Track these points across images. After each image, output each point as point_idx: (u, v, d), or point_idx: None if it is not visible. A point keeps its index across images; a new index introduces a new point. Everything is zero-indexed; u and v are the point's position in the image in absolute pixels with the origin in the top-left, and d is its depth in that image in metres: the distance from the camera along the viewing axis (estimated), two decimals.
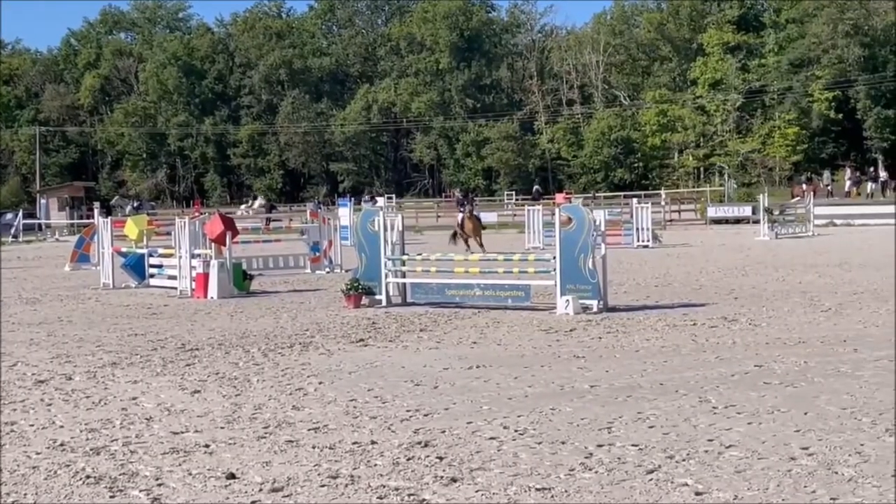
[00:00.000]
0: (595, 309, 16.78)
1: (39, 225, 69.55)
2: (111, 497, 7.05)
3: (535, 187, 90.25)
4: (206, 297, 21.40)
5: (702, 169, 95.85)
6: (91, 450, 8.41)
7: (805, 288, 20.33)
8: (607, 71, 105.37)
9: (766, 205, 44.02)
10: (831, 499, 6.59)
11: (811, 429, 8.46)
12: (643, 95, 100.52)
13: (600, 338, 14.16)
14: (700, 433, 8.44)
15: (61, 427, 9.31)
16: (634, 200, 45.17)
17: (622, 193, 79.11)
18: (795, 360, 11.69)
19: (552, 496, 6.83)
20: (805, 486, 6.87)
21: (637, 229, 39.74)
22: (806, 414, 9.01)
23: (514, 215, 62.37)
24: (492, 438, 8.44)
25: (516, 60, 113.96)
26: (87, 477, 7.56)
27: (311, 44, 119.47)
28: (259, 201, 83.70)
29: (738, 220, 56.52)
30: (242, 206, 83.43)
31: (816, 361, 11.61)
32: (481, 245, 34.33)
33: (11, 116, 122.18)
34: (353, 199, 62.36)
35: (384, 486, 7.13)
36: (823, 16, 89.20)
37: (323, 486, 7.19)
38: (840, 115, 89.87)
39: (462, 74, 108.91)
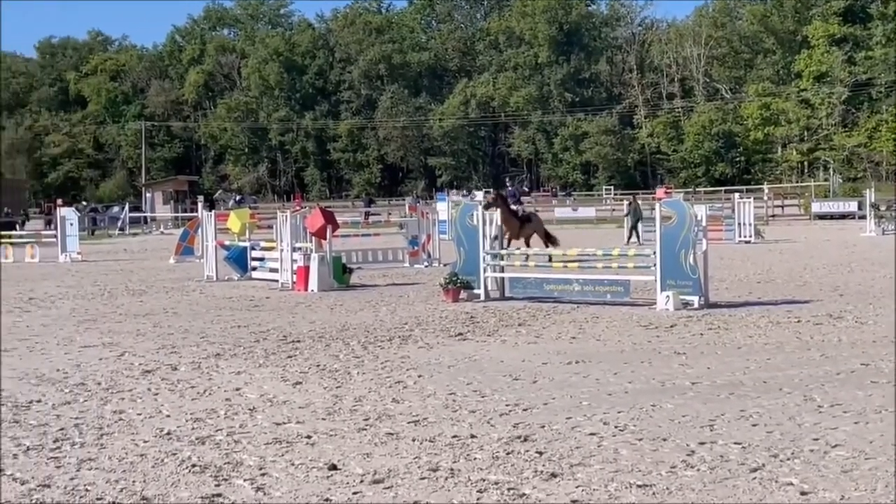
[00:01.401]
0: (696, 305, 16.56)
1: (145, 218, 70.91)
2: (216, 486, 7.16)
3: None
4: (306, 290, 21.61)
5: (806, 163, 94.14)
6: (196, 439, 8.56)
7: None
8: (709, 64, 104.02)
9: (873, 200, 43.05)
10: None
11: None
12: (745, 89, 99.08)
13: (701, 334, 13.98)
14: (805, 432, 8.30)
15: (168, 416, 9.49)
16: (736, 195, 44.53)
17: (723, 188, 78.07)
18: None
19: (653, 493, 6.76)
20: None
21: (739, 225, 39.15)
22: None
23: (613, 210, 61.94)
24: (592, 434, 8.39)
25: (616, 54, 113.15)
26: (193, 465, 7.70)
27: (411, 39, 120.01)
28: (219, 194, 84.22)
29: (843, 216, 55.42)
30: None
31: None
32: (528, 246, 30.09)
33: (118, 112, 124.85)
34: (450, 193, 62.45)
35: (484, 480, 7.13)
36: None
37: (423, 478, 7.22)
38: None
39: (561, 68, 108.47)
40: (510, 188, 32.77)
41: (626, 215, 40.30)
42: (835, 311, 16.04)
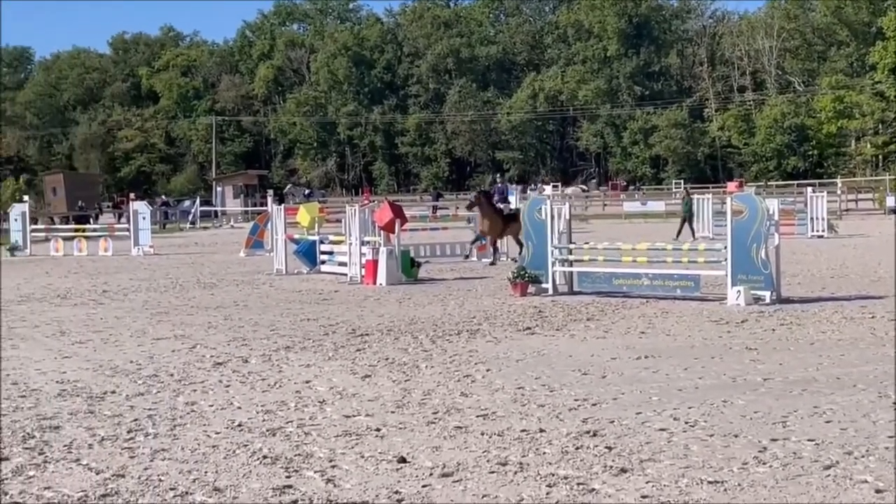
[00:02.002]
0: (768, 300, 16.39)
1: (215, 212, 71.71)
2: (287, 477, 7.22)
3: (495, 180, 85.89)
4: (374, 283, 21.71)
5: (880, 157, 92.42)
6: (267, 430, 8.64)
7: None
8: (781, 56, 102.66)
9: None
10: None
11: None
12: (819, 81, 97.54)
13: (773, 330, 13.82)
14: (879, 429, 8.17)
15: (239, 408, 9.59)
16: (809, 189, 43.89)
17: (795, 182, 77.04)
18: None
19: (725, 490, 6.70)
20: None
21: (811, 219, 38.67)
22: None
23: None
24: (662, 430, 8.33)
25: (686, 47, 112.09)
26: (264, 457, 7.77)
27: (479, 32, 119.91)
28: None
29: None
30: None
31: None
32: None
33: (189, 107, 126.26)
34: (518, 187, 62.34)
35: (553, 475, 7.12)
36: None
37: (492, 472, 7.22)
38: None
39: (630, 61, 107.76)
40: (499, 185, 31.05)
41: (682, 211, 39.63)
42: None
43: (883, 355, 11.52)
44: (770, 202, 17.58)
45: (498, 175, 33.41)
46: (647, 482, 6.90)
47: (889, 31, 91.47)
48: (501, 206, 27.43)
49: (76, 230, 43.64)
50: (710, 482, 6.86)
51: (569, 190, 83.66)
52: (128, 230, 38.88)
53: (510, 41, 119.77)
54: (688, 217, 37.88)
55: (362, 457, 7.71)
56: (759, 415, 8.77)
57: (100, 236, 39.97)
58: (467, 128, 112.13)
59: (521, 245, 24.79)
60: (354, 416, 9.15)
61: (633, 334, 13.82)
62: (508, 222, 26.21)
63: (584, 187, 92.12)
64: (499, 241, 26.99)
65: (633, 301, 17.48)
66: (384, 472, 7.30)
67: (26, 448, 8.21)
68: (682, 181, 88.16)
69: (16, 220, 40.15)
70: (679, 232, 36.68)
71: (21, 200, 44.64)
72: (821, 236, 37.23)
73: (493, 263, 26.04)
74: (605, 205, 66.70)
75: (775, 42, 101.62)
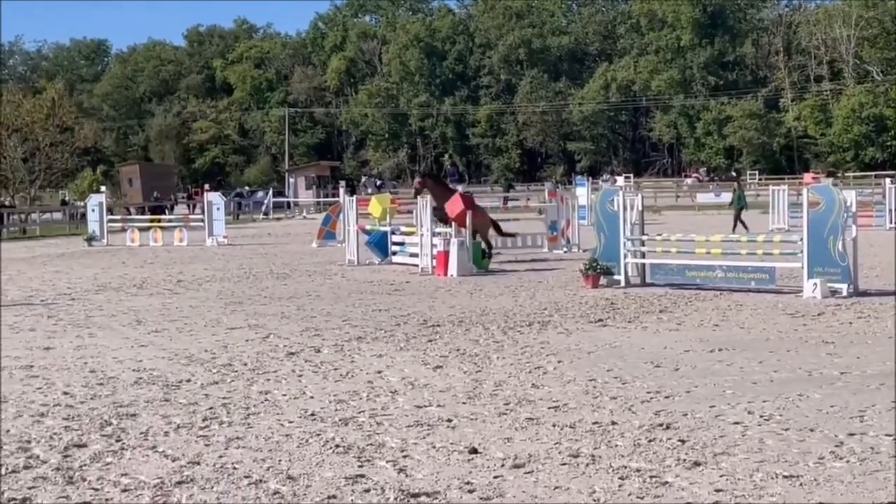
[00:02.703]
0: (844, 293, 16.14)
1: (288, 203, 72.21)
2: (359, 466, 7.27)
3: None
4: (446, 274, 21.74)
5: None
6: (340, 420, 8.70)
7: None
8: (859, 45, 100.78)
9: None
10: None
11: None
12: None
13: (850, 323, 13.63)
14: None
15: (311, 398, 9.67)
16: (887, 180, 43.06)
17: (873, 173, 75.70)
18: None
19: (800, 484, 6.63)
20: None
21: (890, 210, 37.93)
22: None
23: (758, 195, 60.68)
24: (736, 423, 8.26)
25: (761, 36, 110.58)
26: (337, 446, 7.83)
27: (551, 23, 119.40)
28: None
29: None
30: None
31: None
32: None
33: (262, 98, 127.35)
34: (590, 178, 62.05)
35: (625, 468, 7.09)
36: None
37: (564, 464, 7.21)
38: None
39: (704, 51, 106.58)
40: (450, 168, 29.57)
41: (731, 204, 38.84)
42: None
43: None
44: (847, 193, 17.33)
45: (448, 160, 30.35)
46: (720, 476, 6.85)
47: None
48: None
49: (152, 220, 44.23)
50: (785, 477, 6.79)
51: (688, 181, 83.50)
52: (202, 221, 39.32)
53: (582, 31, 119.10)
54: (739, 210, 37.09)
55: (434, 447, 7.75)
56: (836, 409, 8.66)
57: (175, 227, 40.46)
58: (538, 118, 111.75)
59: (489, 246, 24.07)
60: (426, 406, 9.18)
61: (706, 327, 13.72)
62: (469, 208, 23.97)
63: (698, 175, 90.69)
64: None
65: (706, 293, 17.33)
66: (455, 463, 7.32)
67: (104, 435, 8.36)
68: (756, 172, 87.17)
69: (93, 210, 40.81)
70: (734, 226, 35.78)
71: (98, 191, 45.37)
72: None
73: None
74: (678, 196, 66.08)
75: (853, 31, 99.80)
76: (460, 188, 25.52)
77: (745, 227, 34.60)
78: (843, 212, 16.37)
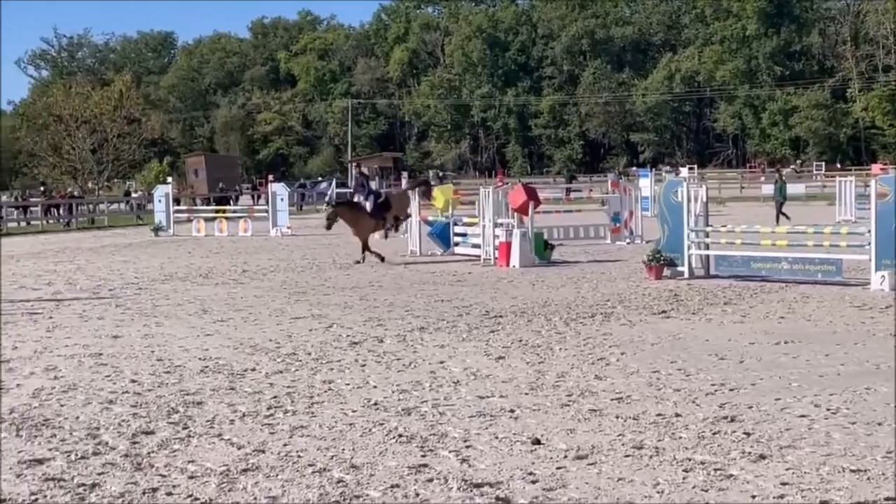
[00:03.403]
0: None
1: (351, 194, 72.38)
2: (422, 456, 7.29)
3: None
4: (508, 265, 21.72)
5: None
6: (402, 410, 8.73)
7: None
8: None
9: None
10: None
11: None
12: None
13: None
14: None
15: (374, 387, 9.71)
16: None
17: None
18: None
19: (868, 479, 6.54)
20: None
21: None
22: None
23: (824, 186, 59.88)
24: (802, 416, 8.17)
25: (829, 25, 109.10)
26: (400, 436, 7.86)
27: (614, 13, 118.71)
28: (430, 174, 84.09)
29: None
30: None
31: None
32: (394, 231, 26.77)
33: (326, 90, 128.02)
34: (652, 169, 61.60)
35: (689, 460, 7.04)
36: None
37: (627, 456, 7.18)
38: None
39: (770, 41, 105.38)
40: (357, 176, 27.16)
41: (774, 196, 37.93)
42: None
43: None
44: None
45: (355, 165, 29.09)
46: (786, 469, 6.78)
47: None
48: (361, 199, 24.88)
49: (217, 211, 44.65)
50: (852, 471, 6.71)
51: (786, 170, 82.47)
52: (266, 211, 39.65)
53: (646, 21, 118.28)
54: (781, 202, 36.16)
55: (496, 437, 7.74)
56: None
57: (239, 217, 40.82)
58: (601, 109, 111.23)
59: (394, 226, 25.99)
60: (488, 397, 9.18)
61: (772, 319, 13.57)
62: (379, 215, 24.52)
63: (794, 167, 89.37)
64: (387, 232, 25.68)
65: (771, 285, 17.15)
66: (518, 454, 7.31)
67: (171, 423, 8.46)
68: (822, 163, 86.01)
69: (160, 201, 41.31)
70: (777, 218, 34.65)
71: (165, 182, 45.89)
72: None
73: (358, 262, 23.42)
74: (743, 187, 65.40)
75: None
76: (368, 204, 24.33)
77: (788, 218, 33.67)
78: None
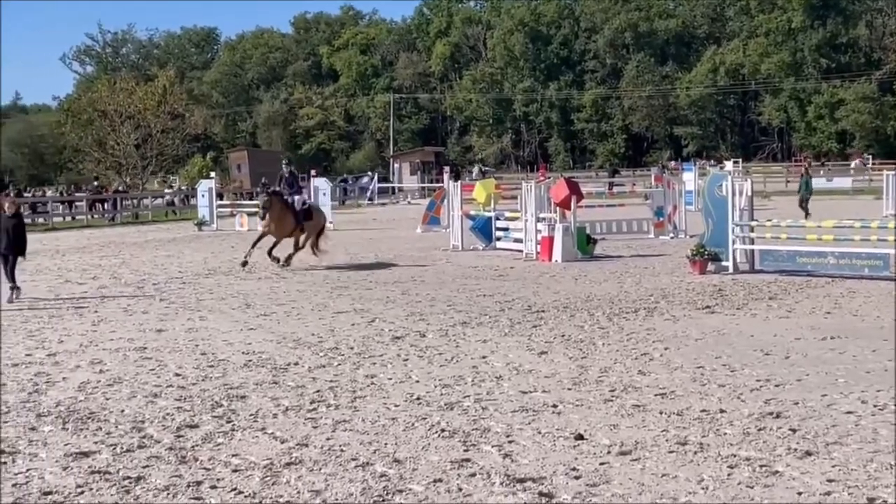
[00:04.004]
0: None
1: (392, 188, 72.57)
2: (465, 451, 7.31)
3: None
4: (550, 260, 21.70)
5: None
6: (445, 405, 8.75)
7: None
8: None
9: None
10: None
11: None
12: None
13: None
14: None
15: (417, 382, 9.73)
16: None
17: None
18: None
19: None
20: None
21: None
22: None
23: (871, 181, 59.26)
24: (848, 413, 8.11)
25: (876, 17, 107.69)
26: (442, 430, 7.88)
27: (658, 6, 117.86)
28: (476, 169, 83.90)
29: None
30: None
31: None
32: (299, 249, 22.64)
33: (368, 85, 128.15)
34: (696, 163, 61.23)
35: (734, 456, 7.01)
36: None
37: (671, 451, 7.16)
38: None
39: (816, 33, 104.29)
40: (285, 174, 23.94)
41: (798, 190, 37.34)
42: None
43: None
44: None
45: (284, 161, 25.16)
46: (832, 466, 6.74)
47: None
48: (295, 198, 22.86)
49: (259, 206, 44.83)
50: None
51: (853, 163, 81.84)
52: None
53: (690, 14, 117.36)
54: (807, 197, 35.57)
55: (539, 433, 7.74)
56: None
57: None
58: (644, 103, 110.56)
59: (314, 248, 22.60)
60: (531, 392, 9.18)
61: (818, 314, 13.47)
62: (302, 221, 22.38)
63: (862, 160, 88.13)
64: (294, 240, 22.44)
65: (817, 280, 17.01)
66: (561, 449, 7.31)
67: (214, 416, 8.53)
68: (870, 157, 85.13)
69: (203, 195, 41.64)
70: (806, 213, 33.93)
71: (208, 177, 46.19)
72: None
73: (243, 264, 21.27)
74: (788, 181, 64.83)
75: None
76: (297, 199, 22.70)
77: (808, 214, 32.97)
78: None
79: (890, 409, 8.22)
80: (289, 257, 21.98)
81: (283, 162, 26.74)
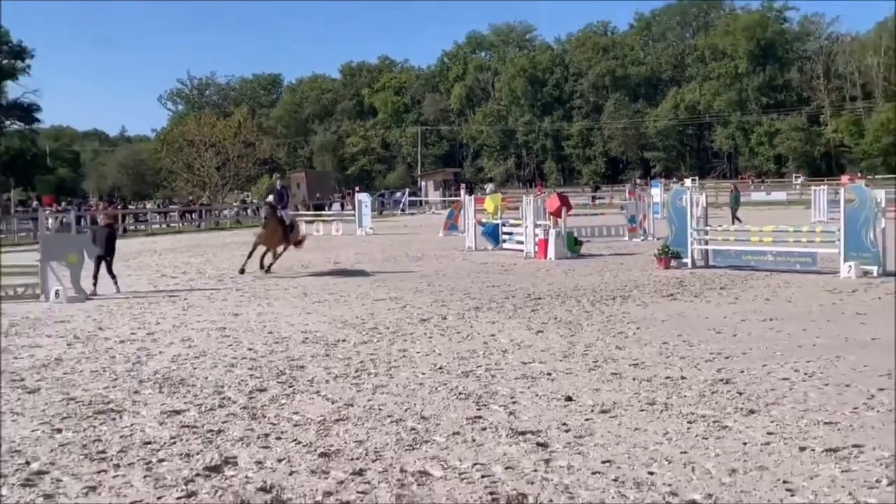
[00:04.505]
0: (875, 274, 15.60)
1: (420, 201, 72.55)
2: (477, 410, 7.30)
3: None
4: (545, 258, 21.64)
5: None
6: (462, 373, 8.73)
7: None
8: (888, 70, 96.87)
9: None
10: None
11: None
12: None
13: (880, 298, 13.16)
14: None
15: (439, 355, 9.72)
16: None
17: None
18: None
19: (838, 429, 6.45)
20: None
21: None
22: None
23: (801, 194, 58.88)
24: (784, 379, 8.07)
25: (805, 64, 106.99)
26: (460, 393, 7.87)
27: (631, 55, 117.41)
28: (490, 186, 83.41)
29: None
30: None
31: None
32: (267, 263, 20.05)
33: (400, 119, 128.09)
34: (661, 180, 60.88)
35: (692, 413, 6.98)
36: None
37: (642, 410, 7.13)
38: None
39: (757, 77, 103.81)
40: (278, 188, 21.19)
41: (729, 203, 36.62)
42: None
43: None
44: (877, 192, 16.71)
45: (277, 175, 21.82)
46: (771, 422, 6.71)
47: None
48: (284, 213, 20.43)
49: (315, 216, 44.92)
50: (825, 423, 6.62)
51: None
52: (353, 215, 39.83)
53: (657, 61, 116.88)
54: (734, 208, 34.83)
55: (537, 395, 7.73)
56: (868, 369, 8.39)
57: (332, 220, 41.07)
58: (620, 133, 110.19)
59: (291, 246, 20.71)
60: (530, 363, 9.16)
61: (759, 301, 13.39)
62: (285, 236, 20.22)
63: (852, 177, 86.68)
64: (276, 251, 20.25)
65: (759, 273, 16.92)
66: (554, 408, 7.30)
67: (279, 382, 8.54)
68: (800, 175, 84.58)
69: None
70: (736, 220, 33.08)
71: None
72: None
73: (241, 271, 19.27)
74: (721, 195, 64.43)
75: (882, 59, 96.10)
76: (286, 213, 20.37)
77: (740, 221, 32.09)
78: (874, 207, 15.82)
79: (818, 375, 8.17)
80: (269, 266, 19.77)
81: (278, 177, 24.61)
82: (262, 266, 19.72)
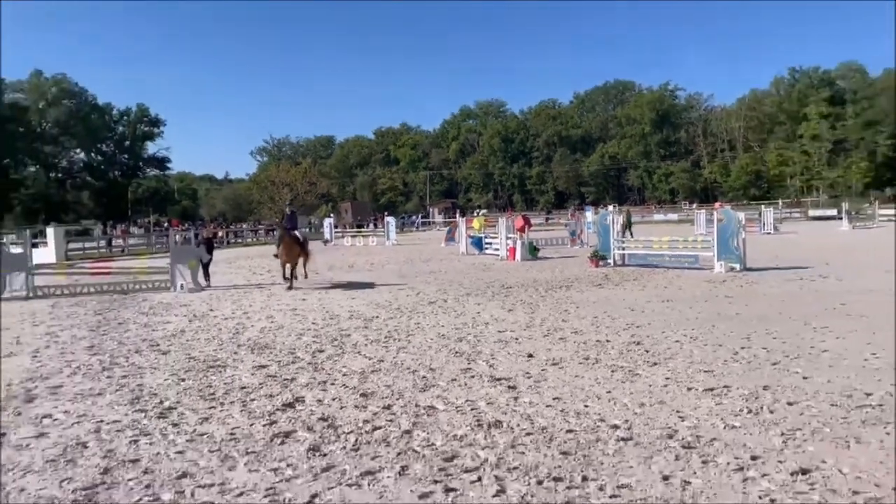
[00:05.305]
0: (738, 269, 15.56)
1: (429, 222, 72.42)
2: (468, 364, 7.28)
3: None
4: (514, 260, 21.58)
5: (804, 187, 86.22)
6: (457, 339, 8.71)
7: (874, 259, 17.90)
8: (747, 129, 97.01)
9: (847, 208, 39.17)
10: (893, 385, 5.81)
11: (877, 342, 7.50)
12: (768, 144, 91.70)
13: (741, 286, 13.12)
14: (805, 343, 7.69)
15: (442, 326, 9.69)
16: (762, 206, 41.32)
17: (756, 202, 72.60)
18: (862, 301, 10.36)
19: (713, 375, 6.45)
20: (867, 378, 6.10)
21: (763, 223, 36.46)
22: (874, 333, 8.00)
23: (688, 215, 58.79)
24: (676, 342, 8.05)
25: (690, 127, 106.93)
26: (455, 353, 7.85)
27: (571, 121, 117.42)
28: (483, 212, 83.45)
29: (828, 218, 50.47)
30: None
31: (881, 301, 10.24)
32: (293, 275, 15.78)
33: (415, 166, 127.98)
34: (593, 206, 60.73)
35: (614, 365, 6.97)
36: (883, 97, 77.60)
37: (580, 363, 7.11)
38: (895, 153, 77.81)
39: (657, 135, 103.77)
40: (288, 212, 17.28)
41: (622, 222, 35.06)
42: (824, 272, 14.72)
43: (807, 301, 10.79)
44: (740, 213, 16.69)
45: (288, 204, 18.55)
46: (668, 370, 6.70)
47: (811, 115, 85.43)
48: (297, 232, 16.71)
49: (357, 232, 44.86)
50: (705, 371, 6.61)
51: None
52: (384, 232, 39.73)
53: (589, 125, 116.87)
54: (628, 226, 33.70)
55: (509, 354, 7.71)
56: (734, 334, 8.37)
57: (369, 235, 41.00)
58: (564, 175, 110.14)
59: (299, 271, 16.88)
60: (504, 331, 9.14)
61: (659, 288, 13.36)
62: (302, 249, 16.67)
63: (721, 204, 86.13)
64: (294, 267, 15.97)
65: (659, 270, 16.87)
66: (520, 362, 7.28)
67: (333, 345, 8.52)
68: (687, 202, 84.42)
69: (327, 227, 41.61)
70: (623, 234, 31.07)
71: (329, 216, 46.06)
72: (769, 233, 35.03)
73: (289, 288, 15.18)
74: (643, 216, 64.32)
75: (742, 122, 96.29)
76: (299, 232, 16.80)
77: (632, 235, 30.92)
78: (737, 224, 15.80)
79: (700, 339, 8.15)
80: (291, 282, 15.55)
81: (287, 203, 20.96)
82: (288, 277, 15.61)
